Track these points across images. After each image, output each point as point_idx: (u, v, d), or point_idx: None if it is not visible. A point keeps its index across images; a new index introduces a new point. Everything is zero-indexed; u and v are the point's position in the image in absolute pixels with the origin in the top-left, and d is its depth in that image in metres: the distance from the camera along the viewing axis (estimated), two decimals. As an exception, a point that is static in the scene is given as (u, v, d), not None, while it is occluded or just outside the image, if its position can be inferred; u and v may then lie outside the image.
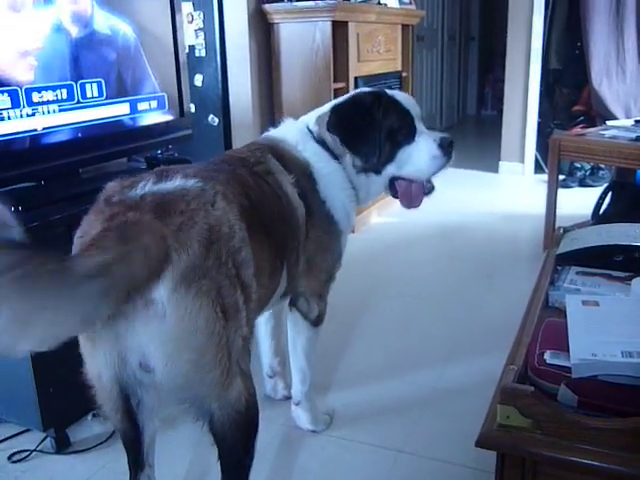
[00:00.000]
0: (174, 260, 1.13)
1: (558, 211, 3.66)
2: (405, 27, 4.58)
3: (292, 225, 1.59)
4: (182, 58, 2.49)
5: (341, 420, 2.02)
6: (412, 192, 1.77)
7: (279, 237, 1.53)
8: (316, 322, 1.82)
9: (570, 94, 5.44)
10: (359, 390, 2.19)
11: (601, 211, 3.70)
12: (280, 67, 3.75)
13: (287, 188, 1.58)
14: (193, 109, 3.69)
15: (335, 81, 3.71)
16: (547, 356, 1.13)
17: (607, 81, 4.97)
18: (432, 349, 2.41)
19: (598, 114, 4.91)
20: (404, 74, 4.60)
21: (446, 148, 1.71)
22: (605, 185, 3.91)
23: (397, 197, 1.78)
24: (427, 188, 1.78)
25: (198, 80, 3.70)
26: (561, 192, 3.75)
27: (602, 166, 4.99)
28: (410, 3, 4.70)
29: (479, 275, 3.13)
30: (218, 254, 1.20)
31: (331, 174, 1.70)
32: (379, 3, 4.11)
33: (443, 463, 1.78)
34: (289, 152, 1.67)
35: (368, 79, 3.97)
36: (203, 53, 3.69)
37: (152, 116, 2.35)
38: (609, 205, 3.71)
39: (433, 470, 1.77)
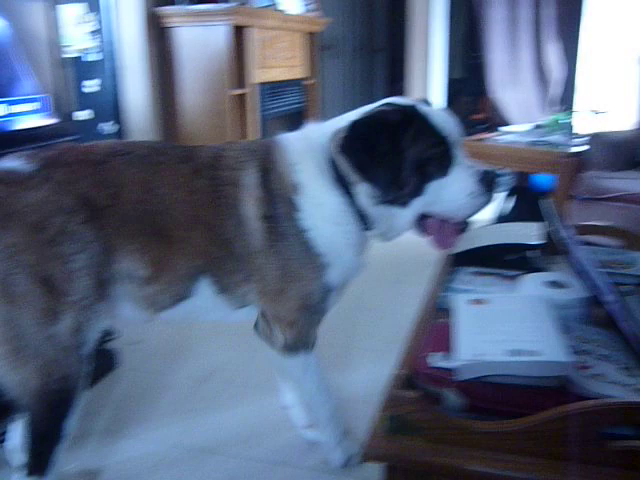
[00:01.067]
0: None
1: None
2: (310, 34, 4.56)
3: (232, 245, 1.46)
4: (68, 60, 2.34)
5: (235, 439, 1.92)
6: (445, 231, 1.49)
7: (197, 248, 1.46)
8: (286, 351, 1.58)
9: (470, 103, 5.59)
10: (252, 406, 2.10)
11: (505, 214, 3.80)
12: (177, 72, 3.63)
13: (245, 208, 1.45)
14: (90, 115, 3.52)
15: (236, 87, 3.62)
16: (434, 359, 1.08)
17: (504, 90, 5.13)
18: (331, 358, 2.34)
19: (497, 122, 5.06)
20: (309, 81, 4.57)
21: (488, 184, 1.43)
22: (507, 189, 4.01)
23: (426, 235, 1.52)
24: (462, 225, 1.52)
25: (93, 85, 3.51)
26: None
27: (507, 171, 5.12)
28: (314, 11, 4.68)
29: (387, 281, 3.11)
30: (14, 241, 1.29)
31: (324, 206, 1.46)
32: (280, 10, 4.07)
33: (343, 475, 1.72)
34: (280, 167, 1.47)
35: (271, 86, 3.91)
36: (98, 57, 3.50)
37: (32, 119, 2.18)
38: (512, 208, 3.81)
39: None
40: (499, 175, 1.46)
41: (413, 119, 1.40)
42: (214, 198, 1.45)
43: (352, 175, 1.44)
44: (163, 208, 1.43)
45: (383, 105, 1.47)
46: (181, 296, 1.51)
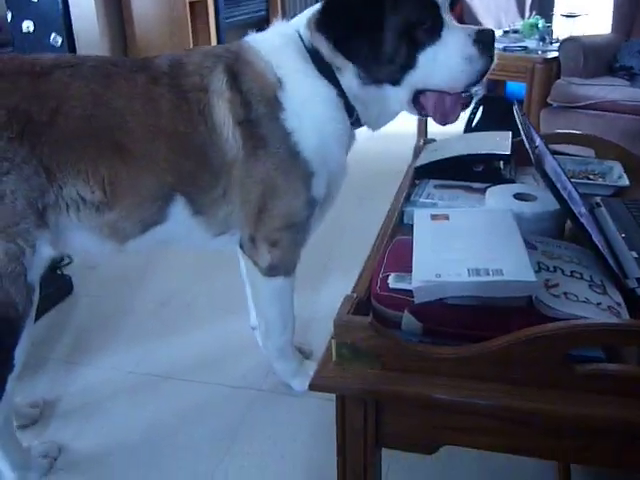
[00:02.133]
0: None
1: (431, 128, 3.59)
2: None
3: (205, 156, 1.35)
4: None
5: (197, 363, 1.86)
6: (446, 105, 1.39)
7: (163, 162, 1.34)
8: (269, 272, 1.52)
9: (443, 8, 5.35)
10: (212, 329, 2.04)
11: (473, 125, 3.68)
12: (127, -24, 3.36)
13: (217, 114, 1.34)
14: (32, 28, 3.26)
15: (191, -8, 3.38)
16: (391, 280, 0.99)
17: (478, -7, 4.89)
18: (299, 277, 2.27)
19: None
20: (271, -13, 4.30)
21: (486, 45, 1.30)
22: (476, 100, 3.88)
23: (425, 115, 1.44)
24: (465, 98, 1.40)
25: (34, -7, 3.24)
26: (434, 109, 3.66)
27: (475, 82, 4.97)
28: None
29: (349, 196, 3.00)
30: None
31: (312, 100, 1.37)
32: None
33: (303, 397, 1.68)
34: (254, 66, 1.36)
35: (229, -10, 3.66)
36: (38, -40, 3.21)
37: (-44, 28, 1.98)
38: (480, 119, 3.69)
39: (290, 404, 1.69)
40: (494, 34, 1.34)
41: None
42: (178, 105, 1.34)
43: (336, 57, 1.36)
44: (116, 122, 1.31)
45: None
46: (152, 221, 1.41)
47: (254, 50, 1.40)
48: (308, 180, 1.42)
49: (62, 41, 3.25)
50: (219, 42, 3.59)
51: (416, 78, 1.35)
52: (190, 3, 3.39)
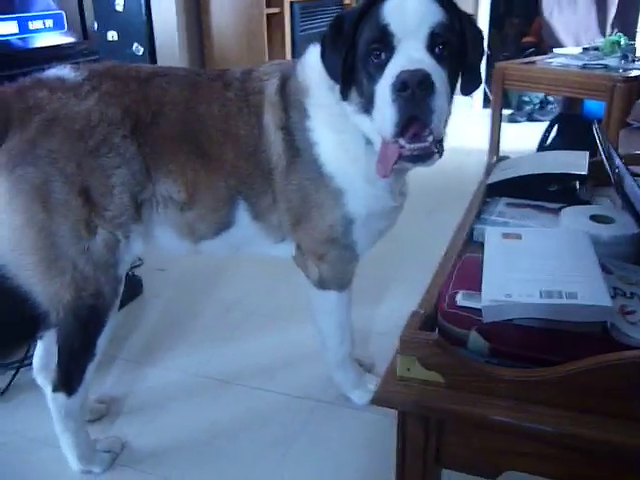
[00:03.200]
0: (9, 136, 1.26)
1: (505, 146, 3.52)
2: (347, -51, 4.29)
3: (257, 159, 1.41)
4: (83, -29, 2.20)
5: (258, 370, 1.88)
6: (383, 154, 1.27)
7: (229, 165, 1.41)
8: (320, 285, 1.53)
9: (520, 25, 5.26)
10: (276, 337, 2.06)
11: (547, 144, 3.59)
12: (207, -10, 3.45)
13: (266, 116, 1.40)
14: (116, 37, 3.39)
15: (268, 6, 3.44)
16: (459, 297, 0.98)
17: (558, 11, 4.77)
18: (362, 288, 2.26)
19: (549, 45, 4.74)
20: (346, 0, 4.33)
21: (400, 89, 1.13)
22: (551, 118, 3.78)
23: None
24: (407, 150, 1.21)
25: (119, 5, 3.36)
26: (509, 126, 3.62)
27: (551, 99, 4.86)
28: None
29: (419, 211, 2.98)
30: (57, 147, 1.27)
31: (325, 107, 1.37)
32: None
33: (362, 411, 1.67)
34: (297, 74, 1.43)
35: (305, 4, 3.71)
36: (123, -26, 3.34)
37: (48, 37, 2.08)
38: (555, 138, 3.60)
39: (349, 417, 1.68)
40: (421, 79, 1.13)
41: (369, 8, 1.22)
42: (241, 108, 1.41)
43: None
44: (200, 126, 1.40)
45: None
46: (222, 224, 1.47)
47: (302, 59, 1.45)
48: (339, 196, 1.40)
49: (144, 51, 3.37)
50: (294, 54, 3.64)
51: (378, 114, 1.24)
52: (267, 15, 3.45)
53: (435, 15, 1.19)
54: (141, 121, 1.35)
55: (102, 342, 1.41)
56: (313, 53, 1.41)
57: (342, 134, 1.37)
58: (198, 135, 1.39)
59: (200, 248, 1.53)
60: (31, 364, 1.69)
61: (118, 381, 1.86)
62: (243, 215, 1.46)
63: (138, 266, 2.37)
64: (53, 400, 1.43)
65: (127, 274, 2.28)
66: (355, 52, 1.24)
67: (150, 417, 1.71)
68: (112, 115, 1.32)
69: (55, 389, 1.42)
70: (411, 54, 1.16)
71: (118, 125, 1.33)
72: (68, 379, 1.41)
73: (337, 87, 1.31)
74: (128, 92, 1.36)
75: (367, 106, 1.26)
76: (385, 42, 1.18)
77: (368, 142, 1.36)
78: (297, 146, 1.39)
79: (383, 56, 1.19)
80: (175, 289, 2.39)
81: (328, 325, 1.61)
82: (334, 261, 1.50)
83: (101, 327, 1.39)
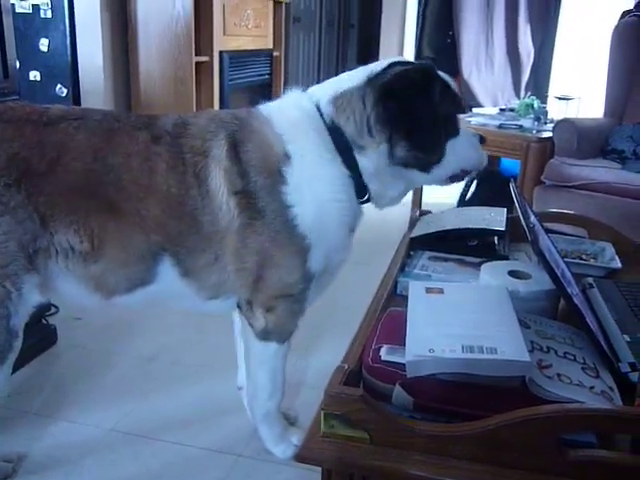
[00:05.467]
0: None
1: (426, 198, 3.63)
2: (277, 4, 4.40)
3: (195, 220, 1.33)
4: (5, 11, 2.15)
5: (178, 424, 1.81)
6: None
7: (152, 221, 1.33)
8: (262, 335, 1.48)
9: (442, 83, 5.49)
10: (197, 389, 1.99)
11: (466, 199, 3.73)
12: (136, 35, 3.45)
13: (214, 181, 1.32)
14: (39, 77, 3.32)
15: (198, 54, 3.47)
16: (383, 352, 0.99)
17: (476, 72, 5.05)
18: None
19: (468, 104, 4.98)
20: (275, 53, 4.42)
21: (481, 141, 1.52)
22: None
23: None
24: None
25: (44, 45, 3.30)
26: (430, 180, 3.71)
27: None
28: (283, -21, 4.52)
29: (348, 262, 3.01)
30: None
31: (318, 179, 1.35)
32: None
33: (284, 465, 1.64)
34: (261, 137, 1.34)
35: (235, 55, 3.76)
36: (49, 14, 3.28)
37: (-33, 76, 2.02)
38: (474, 193, 3.74)
39: (271, 473, 1.64)
40: None
41: (435, 75, 1.38)
42: (174, 166, 1.33)
43: (363, 137, 1.35)
44: (113, 178, 1.31)
45: (394, 65, 1.39)
46: (139, 279, 1.39)
47: (264, 119, 1.38)
48: (304, 254, 1.38)
49: (67, 92, 3.31)
50: (222, 103, 3.66)
51: (444, 166, 1.42)
52: (196, 63, 3.47)
53: None
54: (33, 169, 1.26)
55: None
56: (285, 114, 1.38)
57: (333, 196, 1.37)
58: (108, 187, 1.31)
59: (114, 302, 1.44)
60: None
61: (28, 437, 1.74)
62: (168, 271, 1.39)
63: (53, 314, 2.27)
64: None
65: (42, 323, 2.20)
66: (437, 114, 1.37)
67: (63, 476, 1.61)
68: None
69: None
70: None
71: (1, 172, 1.24)
72: None
73: (385, 151, 1.36)
74: (19, 137, 1.27)
75: (434, 161, 1.40)
76: (460, 110, 1.46)
77: (361, 197, 1.43)
78: (259, 209, 1.33)
79: (456, 120, 1.43)
80: (92, 338, 2.30)
81: (262, 376, 1.57)
82: (283, 314, 1.46)
83: None
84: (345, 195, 1.39)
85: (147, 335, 2.32)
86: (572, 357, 0.99)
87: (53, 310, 2.27)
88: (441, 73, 1.41)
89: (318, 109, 1.38)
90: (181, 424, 1.81)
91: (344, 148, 1.37)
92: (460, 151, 1.42)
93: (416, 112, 1.33)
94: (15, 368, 1.91)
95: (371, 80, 1.36)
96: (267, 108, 1.43)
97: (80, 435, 1.76)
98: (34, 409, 1.87)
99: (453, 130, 1.41)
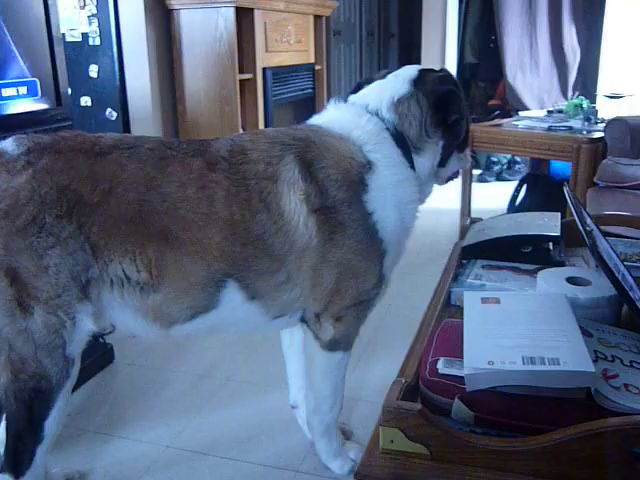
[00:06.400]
0: None
1: (475, 205, 3.58)
2: (318, 18, 4.42)
3: (265, 244, 1.33)
4: (57, 40, 2.22)
5: (234, 440, 1.82)
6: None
7: (215, 249, 1.32)
8: (329, 346, 1.48)
9: (486, 88, 5.43)
10: (251, 405, 2.00)
11: (517, 204, 3.66)
12: (181, 57, 3.52)
13: (287, 203, 1.32)
14: (89, 103, 3.42)
15: (241, 72, 3.52)
16: (440, 365, 0.96)
17: (521, 74, 4.96)
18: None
19: (513, 108, 4.90)
20: (317, 67, 4.44)
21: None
22: (520, 178, 3.87)
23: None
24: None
25: (93, 71, 3.40)
26: (479, 186, 3.68)
27: (518, 160, 4.98)
28: (323, -6, 4.55)
29: (394, 272, 2.99)
30: None
31: (402, 183, 1.43)
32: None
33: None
34: (337, 150, 1.37)
35: (277, 70, 3.79)
36: (98, 42, 3.37)
37: (21, 104, 2.08)
38: (524, 198, 3.67)
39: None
40: None
41: (456, 82, 1.53)
42: (235, 192, 1.32)
43: (425, 140, 1.45)
44: (167, 208, 1.30)
45: (423, 70, 1.51)
46: (201, 307, 1.38)
47: (330, 133, 1.40)
48: (382, 259, 1.43)
49: (117, 116, 3.39)
50: (266, 119, 3.69)
51: (453, 163, 1.56)
52: (240, 81, 3.51)
53: None
54: (84, 200, 1.26)
55: (51, 424, 1.33)
56: (366, 121, 1.44)
57: (408, 199, 1.46)
58: (163, 217, 1.30)
59: (173, 332, 1.42)
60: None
61: (87, 455, 1.78)
62: (232, 297, 1.37)
63: (109, 333, 2.31)
64: None
65: (99, 342, 2.25)
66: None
67: (121, 494, 1.64)
68: (45, 194, 1.24)
69: (1, 470, 1.34)
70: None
71: (52, 204, 1.24)
72: (15, 461, 1.33)
73: (438, 152, 1.50)
74: (70, 168, 1.27)
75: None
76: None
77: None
78: (340, 222, 1.35)
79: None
80: (148, 356, 2.33)
81: (327, 387, 1.56)
82: (352, 322, 1.48)
83: (47, 409, 1.32)
84: (419, 196, 1.49)
85: (200, 351, 2.35)
86: (639, 366, 0.94)
87: (110, 329, 2.31)
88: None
89: (378, 116, 1.44)
90: (236, 440, 1.82)
91: (406, 152, 1.44)
92: (462, 148, 1.57)
93: (461, 113, 1.47)
94: (75, 386, 1.96)
95: (417, 86, 1.46)
96: (326, 122, 1.45)
97: (137, 452, 1.79)
98: (93, 427, 1.91)
99: (465, 132, 1.54)
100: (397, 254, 1.49)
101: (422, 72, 1.49)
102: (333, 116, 1.47)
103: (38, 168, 1.26)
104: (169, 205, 1.30)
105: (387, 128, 1.43)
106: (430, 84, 1.46)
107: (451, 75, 1.54)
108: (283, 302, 1.41)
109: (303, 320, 1.50)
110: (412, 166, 1.45)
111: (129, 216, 1.28)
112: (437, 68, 1.56)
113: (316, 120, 1.48)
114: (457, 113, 1.46)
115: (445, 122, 1.45)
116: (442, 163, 1.52)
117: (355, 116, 1.45)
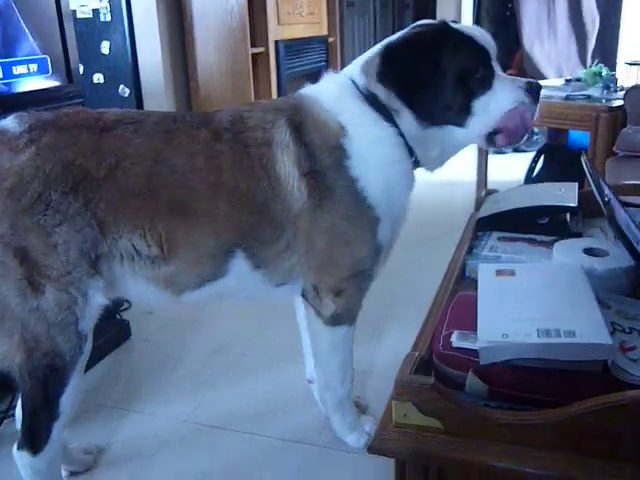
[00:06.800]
0: None
1: (492, 177, 3.54)
2: (331, -11, 4.36)
3: (268, 210, 1.34)
4: (67, 16, 2.20)
5: (250, 414, 1.83)
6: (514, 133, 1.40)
7: (225, 219, 1.33)
8: (332, 321, 1.48)
9: (503, 58, 5.32)
10: (267, 380, 2.01)
11: (534, 175, 3.60)
12: (193, 31, 3.48)
13: (282, 166, 1.32)
14: (102, 80, 3.41)
15: (253, 45, 3.48)
16: (454, 338, 0.95)
17: (539, 43, 4.87)
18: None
19: (531, 77, 4.81)
20: (331, 39, 4.39)
21: (534, 94, 1.37)
22: (537, 149, 3.81)
23: (498, 148, 1.46)
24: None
25: (105, 47, 3.38)
26: (495, 158, 3.62)
27: (536, 130, 4.90)
28: (335, -36, 4.48)
29: (409, 245, 2.96)
30: None
31: (376, 143, 1.37)
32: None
33: (358, 455, 1.62)
34: (316, 116, 1.36)
35: (290, 43, 3.75)
36: (108, 17, 3.35)
37: (32, 81, 2.07)
38: (541, 169, 3.61)
39: (345, 461, 1.63)
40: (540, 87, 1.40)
41: (448, 34, 1.33)
42: (239, 161, 1.33)
43: (394, 102, 1.36)
44: (176, 180, 1.30)
45: (414, 28, 1.40)
46: (210, 276, 1.39)
47: (313, 100, 1.39)
48: (374, 226, 1.39)
49: (130, 92, 3.38)
50: (280, 93, 3.66)
51: (478, 122, 1.36)
52: (252, 55, 3.47)
53: None
54: (90, 176, 1.26)
55: (66, 401, 1.34)
56: (331, 96, 1.39)
57: (392, 163, 1.39)
58: (174, 189, 1.31)
59: (183, 299, 1.44)
60: (14, 415, 1.63)
61: (105, 430, 1.80)
62: (240, 265, 1.38)
63: (126, 309, 2.32)
64: (18, 458, 1.37)
65: (116, 318, 2.26)
66: (446, 74, 1.32)
67: (139, 467, 1.65)
68: (49, 170, 1.23)
69: (19, 447, 1.36)
70: (504, 72, 1.40)
71: (57, 181, 1.24)
72: (32, 437, 1.35)
73: (402, 112, 1.36)
74: (74, 144, 1.27)
75: (460, 117, 1.35)
76: (487, 62, 1.35)
77: (413, 158, 1.41)
78: (328, 187, 1.34)
79: (484, 74, 1.33)
80: (164, 332, 2.35)
81: (335, 362, 1.56)
82: (352, 294, 1.46)
83: (62, 386, 1.32)
84: (402, 155, 1.39)
85: (216, 327, 2.35)
86: (658, 338, 0.93)
87: (126, 305, 2.32)
88: (462, 27, 1.36)
89: (353, 82, 1.40)
90: (252, 415, 1.83)
91: (384, 113, 1.37)
92: (496, 107, 1.34)
93: (415, 77, 1.34)
94: (92, 363, 1.98)
95: (383, 49, 1.39)
96: (311, 90, 1.45)
97: (154, 427, 1.81)
98: (110, 402, 1.93)
99: (480, 85, 1.33)
100: (393, 221, 1.44)
101: (414, 27, 1.41)
102: (321, 85, 1.46)
103: (41, 145, 1.25)
104: (179, 177, 1.30)
105: (360, 91, 1.38)
106: (395, 42, 1.39)
107: (437, 27, 1.36)
108: (284, 270, 1.42)
109: (304, 296, 1.50)
110: (394, 125, 1.37)
111: (137, 190, 1.28)
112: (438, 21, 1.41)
113: (307, 89, 1.46)
114: (393, 88, 1.35)
115: (393, 82, 1.35)
116: (437, 121, 1.37)
117: (331, 82, 1.44)
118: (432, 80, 1.32)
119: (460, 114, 1.35)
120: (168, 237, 1.32)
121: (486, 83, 1.34)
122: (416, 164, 1.44)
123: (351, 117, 1.36)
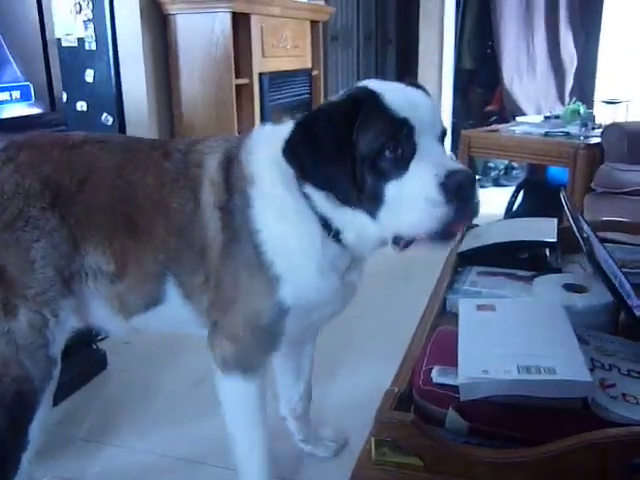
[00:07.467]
0: None
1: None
2: (314, 23, 4.41)
3: (189, 235, 1.28)
4: (51, 44, 2.21)
5: (226, 449, 1.79)
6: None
7: (159, 238, 1.30)
8: (223, 366, 1.35)
9: (484, 94, 5.44)
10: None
11: (513, 210, 3.65)
12: (178, 61, 3.49)
13: (203, 192, 1.27)
14: (85, 108, 3.41)
15: (238, 77, 3.49)
16: (435, 374, 0.95)
17: (518, 80, 4.97)
18: (330, 358, 2.20)
19: (511, 113, 4.90)
20: (314, 72, 4.43)
21: (452, 191, 1.04)
22: (517, 184, 3.86)
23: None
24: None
25: (89, 76, 3.39)
26: (475, 191, 3.64)
27: (515, 165, 4.98)
28: (320, -1, 4.55)
29: (389, 279, 2.97)
30: None
31: (274, 199, 1.23)
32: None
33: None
34: (240, 156, 1.28)
35: (274, 75, 3.78)
36: (94, 46, 3.37)
37: (15, 108, 2.07)
38: (521, 203, 3.66)
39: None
40: (473, 180, 1.09)
41: (362, 103, 1.11)
42: (177, 179, 1.30)
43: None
44: (131, 195, 1.31)
45: (345, 92, 1.22)
46: (151, 298, 1.35)
47: (248, 139, 1.32)
48: (274, 285, 1.25)
49: (113, 121, 3.38)
50: (263, 123, 3.68)
51: (388, 215, 1.12)
52: (236, 86, 3.49)
53: (438, 108, 1.20)
54: (64, 191, 1.27)
55: (35, 429, 1.30)
56: (262, 142, 1.29)
57: (295, 226, 1.24)
58: (128, 205, 1.30)
59: (131, 324, 1.39)
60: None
61: (79, 464, 1.75)
62: (173, 292, 1.33)
63: (102, 339, 2.29)
64: None
65: (92, 348, 2.22)
66: (354, 150, 1.11)
67: (114, 503, 1.61)
68: (29, 186, 1.25)
69: None
70: (440, 151, 1.12)
71: (35, 197, 1.25)
72: (0, 469, 1.30)
73: (293, 182, 1.21)
74: (48, 161, 1.29)
75: (372, 205, 1.13)
76: (404, 137, 1.09)
77: (333, 234, 1.23)
78: (235, 229, 1.26)
79: (400, 152, 1.09)
80: (141, 362, 2.31)
81: (233, 421, 1.41)
82: (249, 346, 1.33)
83: (30, 414, 1.29)
84: (307, 226, 1.23)
85: (194, 358, 2.31)
86: (637, 375, 0.93)
87: (102, 335, 2.29)
88: (388, 94, 1.12)
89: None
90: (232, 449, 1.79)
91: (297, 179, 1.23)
92: (402, 198, 1.09)
93: (317, 155, 1.14)
94: (67, 394, 1.94)
95: (297, 121, 1.22)
96: (260, 128, 1.37)
97: (131, 461, 1.76)
98: (85, 435, 1.88)
99: (390, 166, 1.09)
100: (307, 289, 1.27)
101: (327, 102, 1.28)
102: (265, 129, 1.36)
103: (19, 162, 1.27)
104: (132, 192, 1.30)
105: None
106: (308, 113, 1.27)
107: (324, 110, 1.21)
108: (206, 308, 1.33)
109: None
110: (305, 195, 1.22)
111: (102, 204, 1.29)
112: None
113: (258, 129, 1.37)
114: (291, 165, 1.17)
115: (292, 160, 1.16)
116: (349, 204, 1.16)
117: (273, 129, 1.31)
118: (335, 160, 1.12)
119: (371, 200, 1.13)
120: (122, 252, 1.31)
121: (400, 164, 1.09)
122: (338, 237, 1.24)
123: (260, 169, 1.26)
